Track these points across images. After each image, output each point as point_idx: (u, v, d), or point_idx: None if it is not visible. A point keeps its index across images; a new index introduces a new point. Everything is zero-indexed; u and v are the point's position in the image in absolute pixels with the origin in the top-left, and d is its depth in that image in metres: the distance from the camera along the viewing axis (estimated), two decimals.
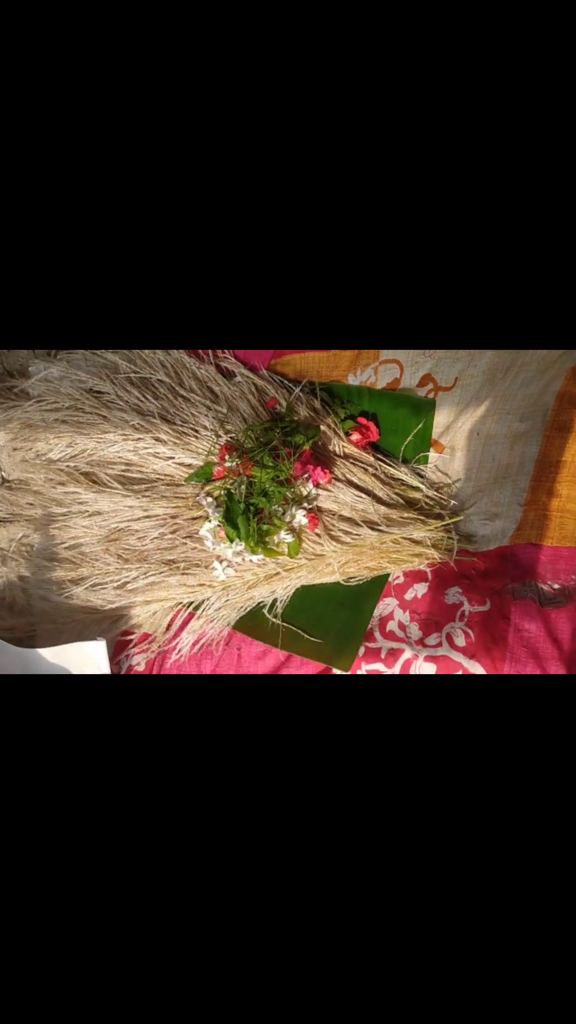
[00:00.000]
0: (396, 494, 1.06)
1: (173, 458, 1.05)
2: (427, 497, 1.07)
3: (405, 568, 1.05)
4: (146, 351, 1.09)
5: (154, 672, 1.06)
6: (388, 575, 1.06)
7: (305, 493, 1.00)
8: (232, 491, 0.99)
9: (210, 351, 1.11)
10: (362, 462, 1.08)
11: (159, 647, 1.07)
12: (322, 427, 1.06)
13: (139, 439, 1.04)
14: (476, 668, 0.98)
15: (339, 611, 1.05)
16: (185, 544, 1.05)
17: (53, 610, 1.09)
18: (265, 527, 0.98)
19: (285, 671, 1.03)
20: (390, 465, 1.08)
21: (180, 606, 1.09)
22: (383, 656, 1.01)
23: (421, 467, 1.09)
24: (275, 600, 1.06)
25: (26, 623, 1.10)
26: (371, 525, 1.03)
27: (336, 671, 1.01)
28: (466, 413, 1.07)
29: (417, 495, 1.07)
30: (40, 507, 1.10)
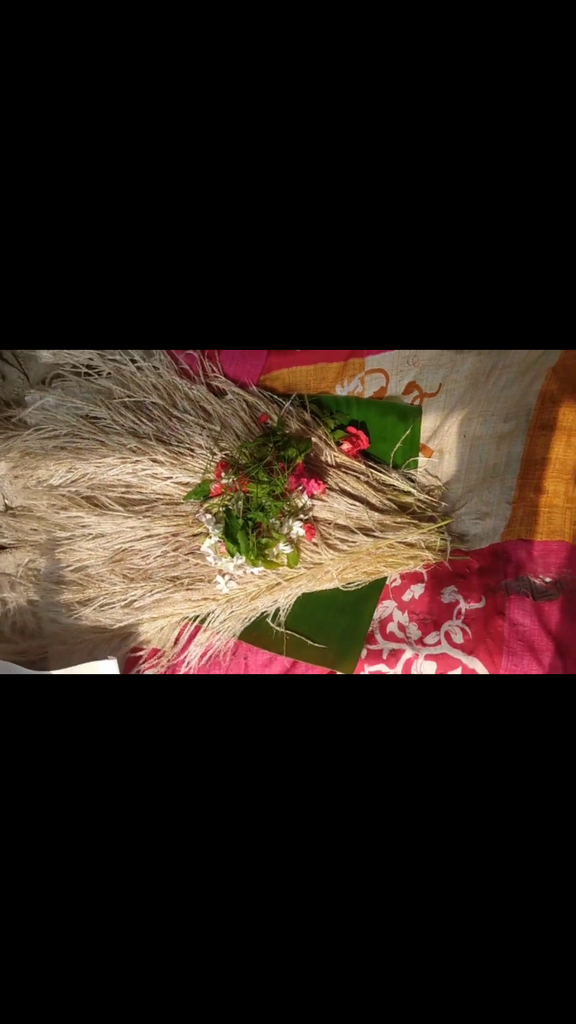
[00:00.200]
0: (389, 500, 1.10)
1: (171, 478, 1.08)
2: (419, 501, 1.10)
3: (401, 571, 1.09)
4: (139, 375, 1.12)
5: None
6: (385, 578, 1.10)
7: (301, 505, 1.03)
8: (230, 507, 1.03)
9: (200, 371, 1.14)
10: (354, 470, 1.11)
11: (168, 661, 1.11)
12: (313, 439, 1.09)
13: (137, 461, 1.08)
14: (475, 664, 1.02)
15: (340, 616, 1.09)
16: (188, 560, 1.09)
17: (63, 632, 1.13)
18: (264, 540, 1.02)
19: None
20: (381, 472, 1.11)
21: (186, 620, 1.12)
22: (385, 657, 1.05)
23: (411, 472, 1.13)
24: (278, 609, 1.09)
25: (38, 646, 1.14)
26: (366, 531, 1.07)
27: (341, 674, 1.05)
28: (452, 417, 1.10)
29: (409, 499, 1.10)
30: (44, 532, 1.13)
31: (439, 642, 1.05)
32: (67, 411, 1.12)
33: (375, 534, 1.06)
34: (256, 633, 1.10)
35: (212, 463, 1.07)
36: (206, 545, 1.03)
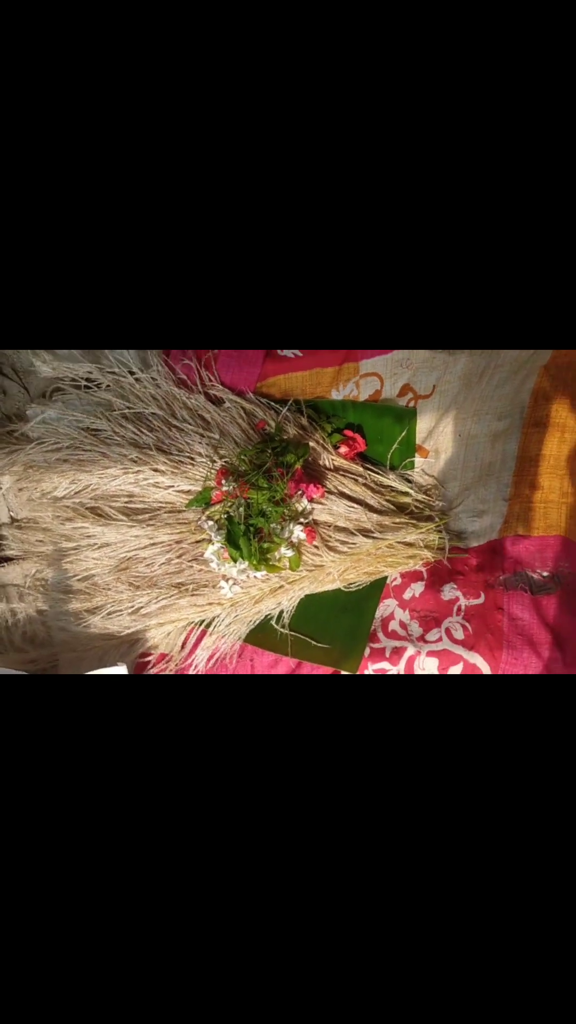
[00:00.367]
0: (387, 501, 1.12)
1: (172, 486, 1.10)
2: (416, 501, 1.12)
3: (401, 570, 1.11)
4: (137, 387, 1.14)
5: None
6: (386, 578, 1.12)
7: (301, 509, 1.06)
8: (231, 513, 1.05)
9: (198, 380, 1.16)
10: (352, 473, 1.13)
11: (176, 665, 1.13)
12: (311, 443, 1.11)
13: (138, 471, 1.10)
14: (475, 659, 1.04)
15: (343, 616, 1.11)
16: (192, 567, 1.11)
17: (72, 639, 1.15)
18: (266, 545, 1.04)
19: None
20: (379, 473, 1.13)
21: (192, 625, 1.14)
22: (387, 655, 1.07)
23: (408, 472, 1.15)
24: (281, 611, 1.12)
25: (48, 654, 1.16)
26: (365, 533, 1.09)
27: (345, 673, 1.07)
28: (446, 417, 1.12)
29: (407, 500, 1.12)
30: (50, 543, 1.16)
31: (440, 638, 1.07)
32: (68, 424, 1.13)
33: (374, 535, 1.08)
34: (261, 635, 1.12)
35: (212, 471, 1.09)
36: (209, 551, 1.05)
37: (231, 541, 1.03)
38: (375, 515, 1.10)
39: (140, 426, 1.12)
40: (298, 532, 1.04)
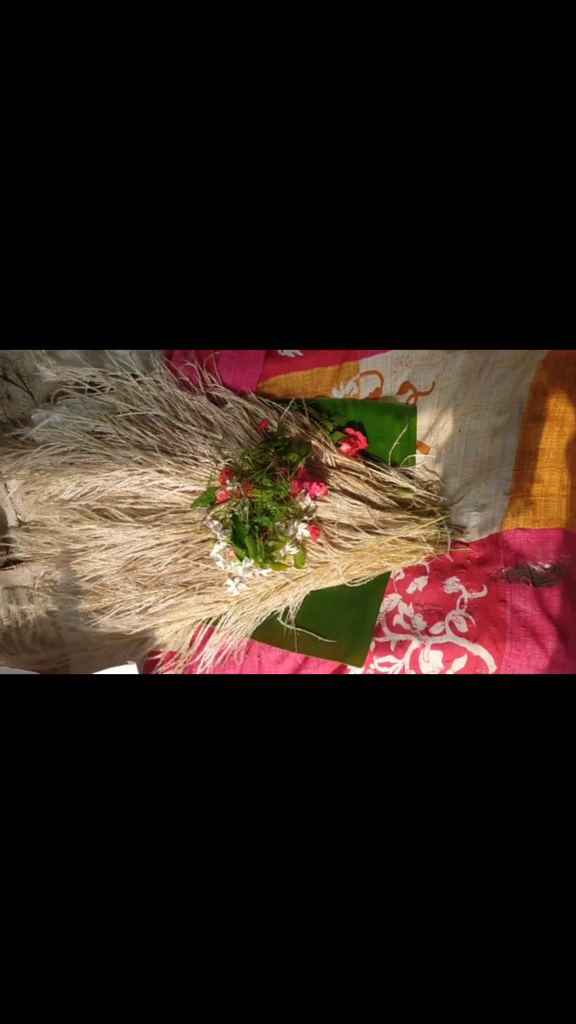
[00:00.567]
0: (389, 497, 1.13)
1: (177, 487, 1.12)
2: (418, 496, 1.14)
3: (404, 565, 1.13)
4: (140, 389, 1.15)
5: None
6: (389, 573, 1.13)
7: (304, 507, 1.07)
8: (236, 513, 1.06)
9: (200, 382, 1.17)
10: (354, 470, 1.14)
11: (185, 663, 1.15)
12: (313, 442, 1.13)
13: (144, 473, 1.11)
14: (479, 651, 1.06)
15: (348, 611, 1.12)
16: (198, 566, 1.13)
17: (83, 639, 1.17)
18: (271, 543, 1.05)
19: (304, 672, 1.11)
20: (380, 470, 1.14)
21: (200, 623, 1.16)
22: (393, 648, 1.09)
23: (410, 469, 1.16)
24: (287, 608, 1.14)
25: (59, 654, 1.18)
26: (368, 529, 1.10)
27: (351, 667, 1.09)
28: (446, 414, 1.13)
29: (408, 495, 1.14)
30: (58, 545, 1.17)
31: (444, 631, 1.09)
32: (73, 428, 1.15)
33: (377, 531, 1.10)
34: (268, 632, 1.14)
35: (216, 471, 1.10)
36: (215, 551, 1.07)
37: (236, 540, 1.05)
38: (377, 511, 1.11)
39: (144, 428, 1.14)
40: (302, 530, 1.06)
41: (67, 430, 1.15)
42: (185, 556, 1.13)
